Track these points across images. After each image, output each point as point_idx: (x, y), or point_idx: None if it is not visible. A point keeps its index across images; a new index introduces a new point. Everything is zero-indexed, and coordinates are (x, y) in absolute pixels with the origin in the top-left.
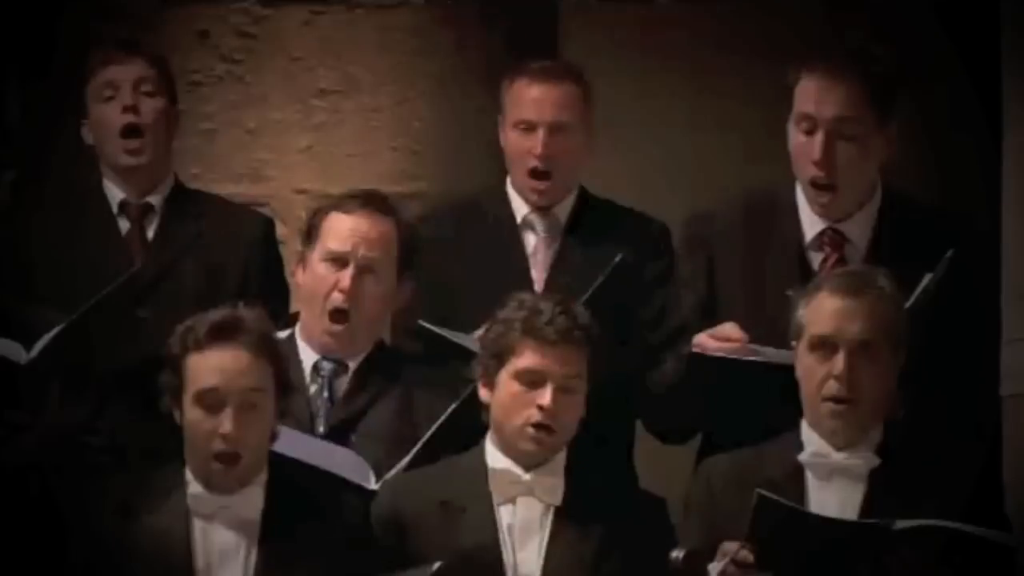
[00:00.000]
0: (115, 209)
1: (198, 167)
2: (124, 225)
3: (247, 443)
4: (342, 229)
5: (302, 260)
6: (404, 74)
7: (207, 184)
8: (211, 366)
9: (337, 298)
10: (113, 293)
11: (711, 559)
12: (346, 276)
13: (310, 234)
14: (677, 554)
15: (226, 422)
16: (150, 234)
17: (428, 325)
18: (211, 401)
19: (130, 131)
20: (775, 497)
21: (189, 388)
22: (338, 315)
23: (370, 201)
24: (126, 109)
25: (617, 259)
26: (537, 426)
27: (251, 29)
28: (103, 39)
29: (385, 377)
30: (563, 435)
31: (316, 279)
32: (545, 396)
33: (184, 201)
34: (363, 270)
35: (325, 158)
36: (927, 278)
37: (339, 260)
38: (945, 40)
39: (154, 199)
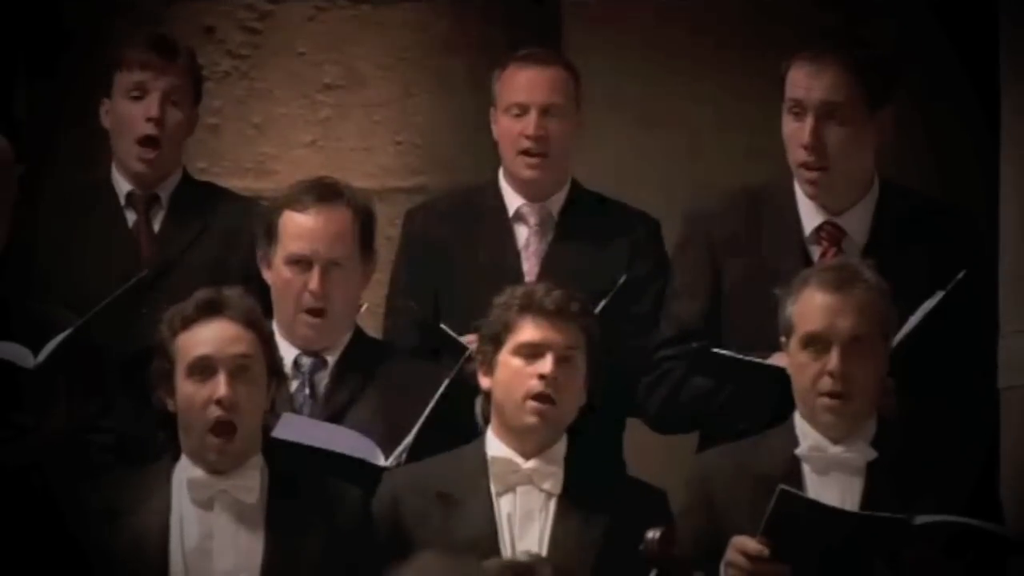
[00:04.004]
0: (122, 201)
1: (204, 161)
2: (131, 217)
3: (241, 410)
4: (300, 231)
5: (266, 259)
6: (408, 69)
7: (213, 178)
8: (201, 338)
9: (309, 299)
10: (122, 295)
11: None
12: (314, 278)
13: (268, 233)
14: (653, 534)
15: (220, 387)
16: (156, 226)
17: (448, 329)
18: (203, 369)
19: (149, 141)
20: (797, 492)
21: (180, 365)
22: (314, 311)
23: (321, 194)
24: (150, 119)
25: (622, 279)
26: (538, 397)
27: (256, 25)
28: (133, 35)
29: (366, 370)
30: (564, 410)
31: (284, 281)
32: (546, 365)
33: (191, 194)
34: (328, 267)
35: (329, 152)
36: (938, 296)
37: (302, 262)
38: (944, 37)
39: (161, 191)
